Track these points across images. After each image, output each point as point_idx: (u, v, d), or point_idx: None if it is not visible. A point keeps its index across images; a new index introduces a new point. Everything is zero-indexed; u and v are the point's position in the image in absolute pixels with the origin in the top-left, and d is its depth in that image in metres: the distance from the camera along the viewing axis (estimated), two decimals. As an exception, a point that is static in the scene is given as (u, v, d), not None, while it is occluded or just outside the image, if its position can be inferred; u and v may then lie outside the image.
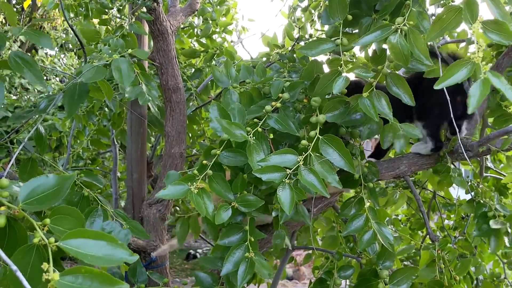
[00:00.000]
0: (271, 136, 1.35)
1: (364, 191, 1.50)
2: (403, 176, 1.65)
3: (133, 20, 1.61)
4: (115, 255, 0.76)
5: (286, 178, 1.17)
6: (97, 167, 2.74)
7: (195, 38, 2.71)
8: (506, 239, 1.65)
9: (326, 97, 1.46)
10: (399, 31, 1.13)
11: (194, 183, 1.18)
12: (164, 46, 1.71)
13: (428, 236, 1.67)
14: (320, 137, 1.27)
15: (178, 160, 1.77)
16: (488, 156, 2.15)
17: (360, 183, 1.52)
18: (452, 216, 2.50)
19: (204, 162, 1.25)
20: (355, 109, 1.35)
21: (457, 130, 1.19)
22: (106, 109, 2.29)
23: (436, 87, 1.02)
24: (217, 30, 2.70)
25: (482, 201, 1.60)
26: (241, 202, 1.30)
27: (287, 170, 1.18)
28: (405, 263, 2.46)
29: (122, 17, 1.58)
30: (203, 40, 2.63)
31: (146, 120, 1.93)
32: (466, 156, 1.24)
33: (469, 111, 0.98)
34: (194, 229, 1.52)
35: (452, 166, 1.54)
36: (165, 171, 1.76)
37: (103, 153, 2.90)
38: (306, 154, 1.22)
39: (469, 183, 1.71)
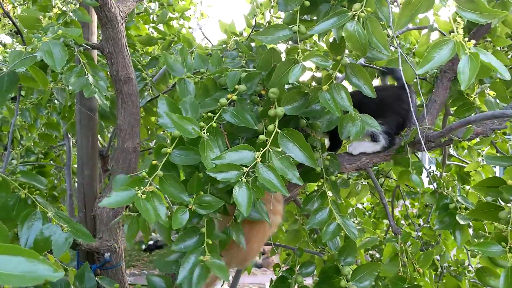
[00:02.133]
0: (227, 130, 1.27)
1: (326, 184, 1.45)
2: (365, 168, 1.60)
3: (77, 6, 1.48)
4: (36, 272, 0.66)
5: (243, 177, 1.09)
6: (51, 161, 2.59)
7: (152, 24, 2.58)
8: (470, 230, 1.63)
9: (285, 87, 1.38)
10: (356, 18, 1.06)
11: (142, 187, 1.08)
12: (113, 34, 1.58)
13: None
14: (279, 131, 1.20)
15: (131, 155, 1.67)
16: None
17: (322, 176, 1.47)
18: (416, 204, 2.50)
19: (154, 162, 1.16)
20: (314, 101, 1.28)
21: (417, 123, 1.14)
22: (56, 101, 2.15)
23: (419, 71, 0.96)
24: (175, 16, 2.58)
25: (444, 193, 1.57)
26: (199, 203, 1.20)
27: (244, 168, 1.11)
28: (371, 252, 2.45)
29: (64, 3, 1.45)
30: (160, 27, 2.51)
31: (96, 113, 1.81)
32: (424, 148, 1.20)
33: (462, 88, 0.93)
34: (143, 229, 1.43)
35: (411, 159, 1.50)
36: (118, 167, 1.66)
37: (58, 146, 2.76)
38: (264, 150, 1.15)
39: (432, 173, 1.68)
